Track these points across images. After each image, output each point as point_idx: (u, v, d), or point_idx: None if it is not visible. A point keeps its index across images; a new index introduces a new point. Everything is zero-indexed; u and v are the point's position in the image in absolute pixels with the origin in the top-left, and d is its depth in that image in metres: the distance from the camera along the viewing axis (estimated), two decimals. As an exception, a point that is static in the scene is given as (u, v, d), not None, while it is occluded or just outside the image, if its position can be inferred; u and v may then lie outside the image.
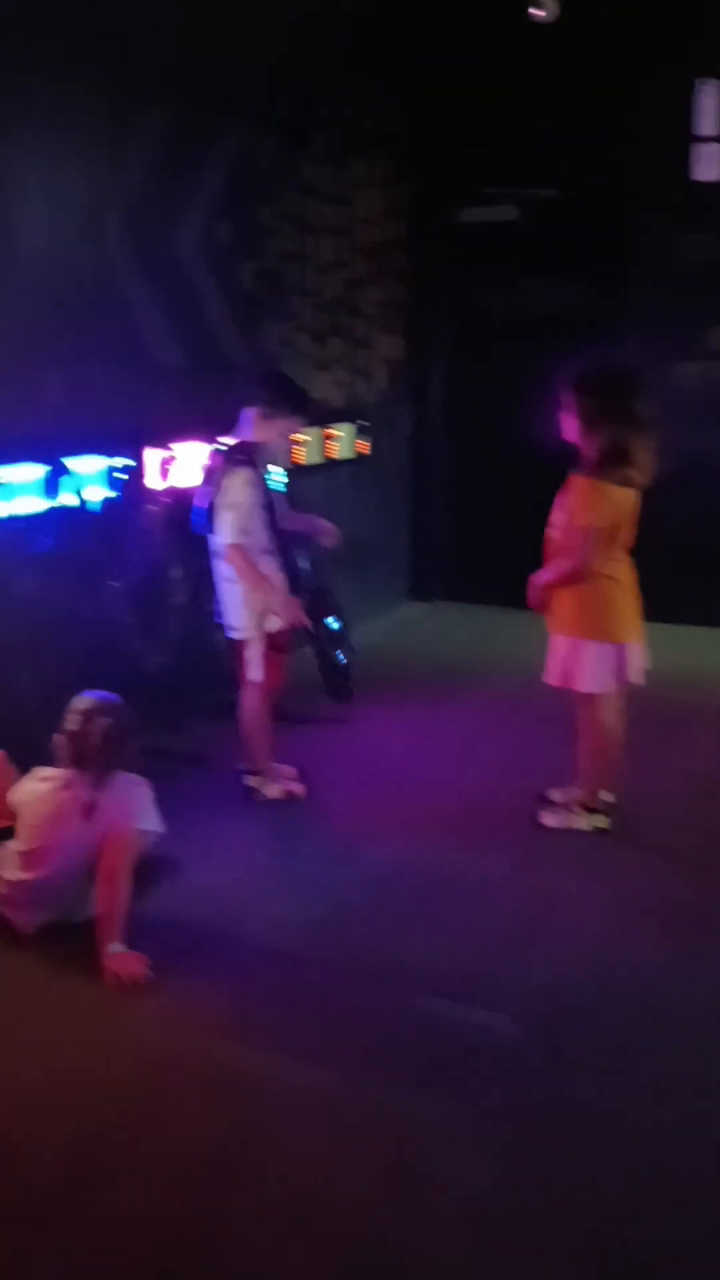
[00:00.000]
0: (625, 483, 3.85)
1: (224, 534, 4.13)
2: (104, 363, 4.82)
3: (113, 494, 4.70)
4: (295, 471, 6.07)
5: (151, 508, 4.88)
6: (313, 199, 6.25)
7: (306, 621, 4.44)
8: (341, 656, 4.97)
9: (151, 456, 4.93)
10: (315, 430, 6.25)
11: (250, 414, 4.21)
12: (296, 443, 4.60)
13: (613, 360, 4.38)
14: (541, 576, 4.03)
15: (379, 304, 7.06)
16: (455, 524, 7.67)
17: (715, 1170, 2.56)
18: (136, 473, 4.83)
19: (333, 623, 4.80)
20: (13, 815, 3.53)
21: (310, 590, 4.48)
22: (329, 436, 6.40)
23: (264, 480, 4.18)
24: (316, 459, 6.29)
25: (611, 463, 3.80)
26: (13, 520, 4.23)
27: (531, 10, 6.38)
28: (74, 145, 4.64)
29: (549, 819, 4.22)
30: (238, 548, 4.11)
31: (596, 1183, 2.50)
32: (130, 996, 3.18)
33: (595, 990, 3.24)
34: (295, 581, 4.28)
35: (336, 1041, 2.99)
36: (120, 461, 4.72)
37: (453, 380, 7.56)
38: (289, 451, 4.62)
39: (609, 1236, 2.37)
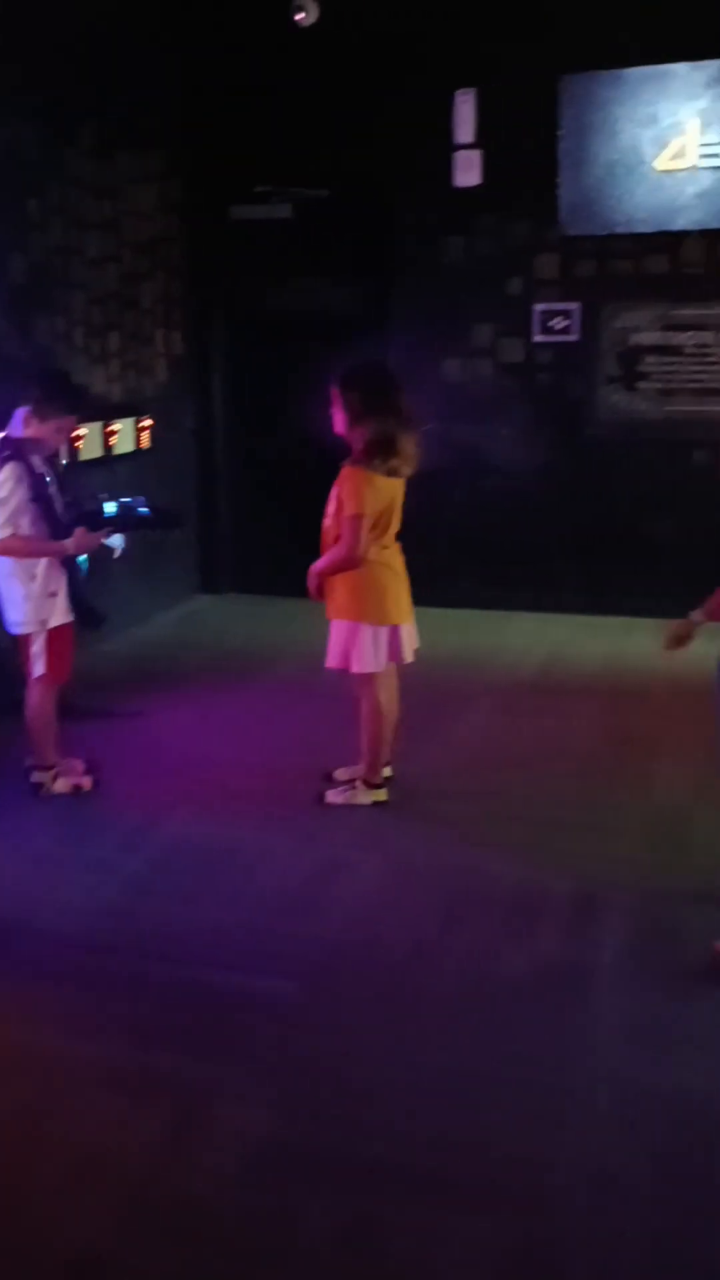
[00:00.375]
0: (392, 473, 4.08)
1: None
2: None
3: None
4: (75, 467, 6.12)
5: None
6: (78, 191, 6.25)
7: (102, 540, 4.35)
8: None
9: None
10: (95, 424, 6.26)
11: (23, 411, 4.22)
12: (74, 440, 4.58)
13: (375, 359, 4.60)
14: (317, 565, 4.21)
15: (156, 298, 7.11)
16: (240, 516, 7.83)
17: (468, 1101, 2.80)
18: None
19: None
20: None
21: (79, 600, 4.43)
22: (109, 431, 6.42)
23: (35, 474, 4.20)
24: (97, 453, 6.30)
25: (378, 454, 4.02)
26: None
27: (295, 15, 6.57)
28: None
29: (333, 796, 4.43)
30: (9, 540, 4.12)
31: (361, 1121, 2.71)
32: None
33: (369, 950, 3.45)
34: (73, 583, 4.32)
35: (123, 1016, 3.10)
36: None
37: (232, 374, 7.70)
38: (65, 447, 4.61)
39: (375, 1167, 2.57)
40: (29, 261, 5.85)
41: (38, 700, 4.39)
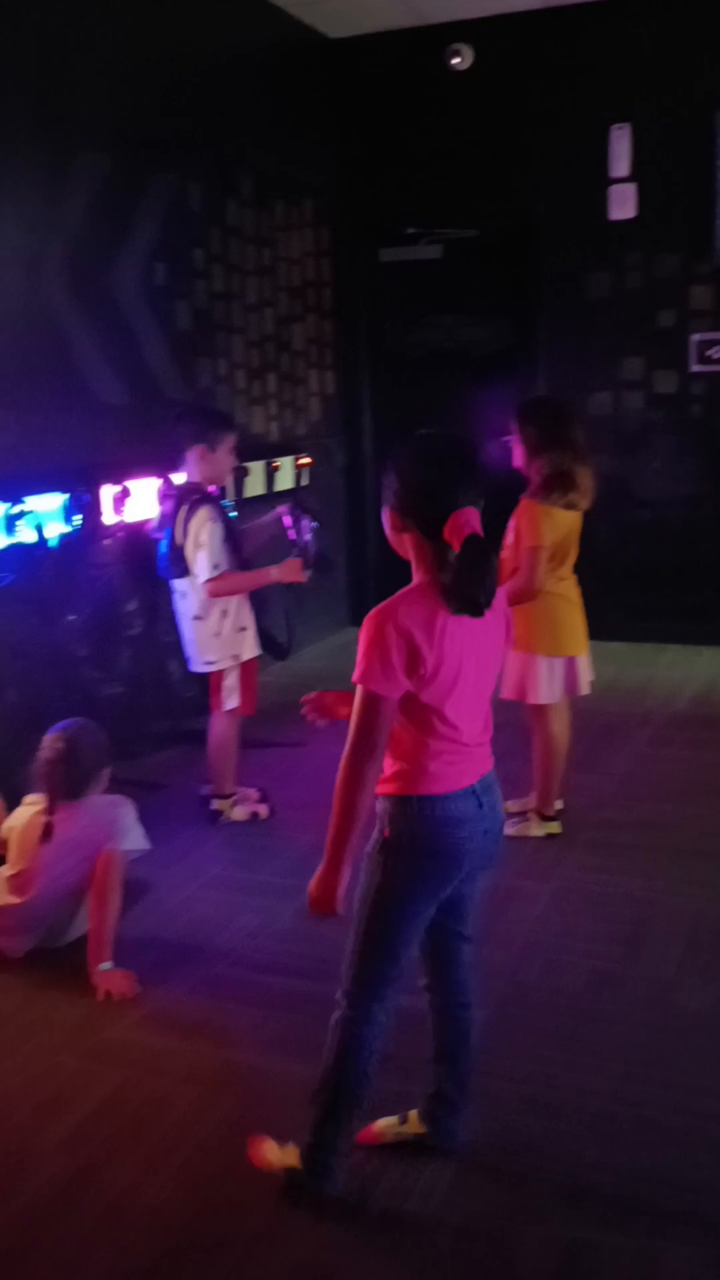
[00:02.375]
0: (569, 506, 4.12)
1: (200, 573, 4.27)
2: (54, 402, 4.97)
3: (69, 529, 4.85)
4: (240, 504, 6.32)
5: (106, 542, 5.03)
6: (239, 240, 6.49)
7: (303, 578, 4.50)
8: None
9: (106, 492, 5.09)
10: (260, 463, 6.46)
11: (192, 453, 4.39)
12: (239, 468, 4.76)
13: (552, 393, 4.65)
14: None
15: (308, 340, 7.32)
16: (389, 550, 7.92)
17: (660, 1133, 2.78)
18: (91, 508, 4.97)
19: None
20: (3, 843, 3.64)
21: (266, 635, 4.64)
22: (275, 468, 6.61)
23: (225, 513, 4.37)
24: (260, 489, 6.50)
25: (556, 488, 4.07)
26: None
27: (451, 60, 6.73)
28: (14, 193, 4.80)
29: (506, 828, 4.43)
30: (219, 580, 4.27)
31: (558, 1148, 2.71)
32: (117, 1009, 3.31)
33: (549, 979, 3.46)
34: (260, 617, 4.49)
35: (314, 1037, 3.16)
36: (75, 498, 4.86)
37: (381, 412, 7.84)
38: (233, 478, 4.77)
39: (578, 1192, 2.58)
40: (193, 308, 6.10)
41: (222, 731, 4.52)
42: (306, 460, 6.96)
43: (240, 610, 4.40)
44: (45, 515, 4.70)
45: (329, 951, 3.60)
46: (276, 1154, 2.61)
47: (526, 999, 3.36)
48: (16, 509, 4.54)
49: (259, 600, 4.49)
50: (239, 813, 4.60)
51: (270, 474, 6.53)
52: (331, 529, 7.67)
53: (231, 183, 6.40)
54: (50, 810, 3.53)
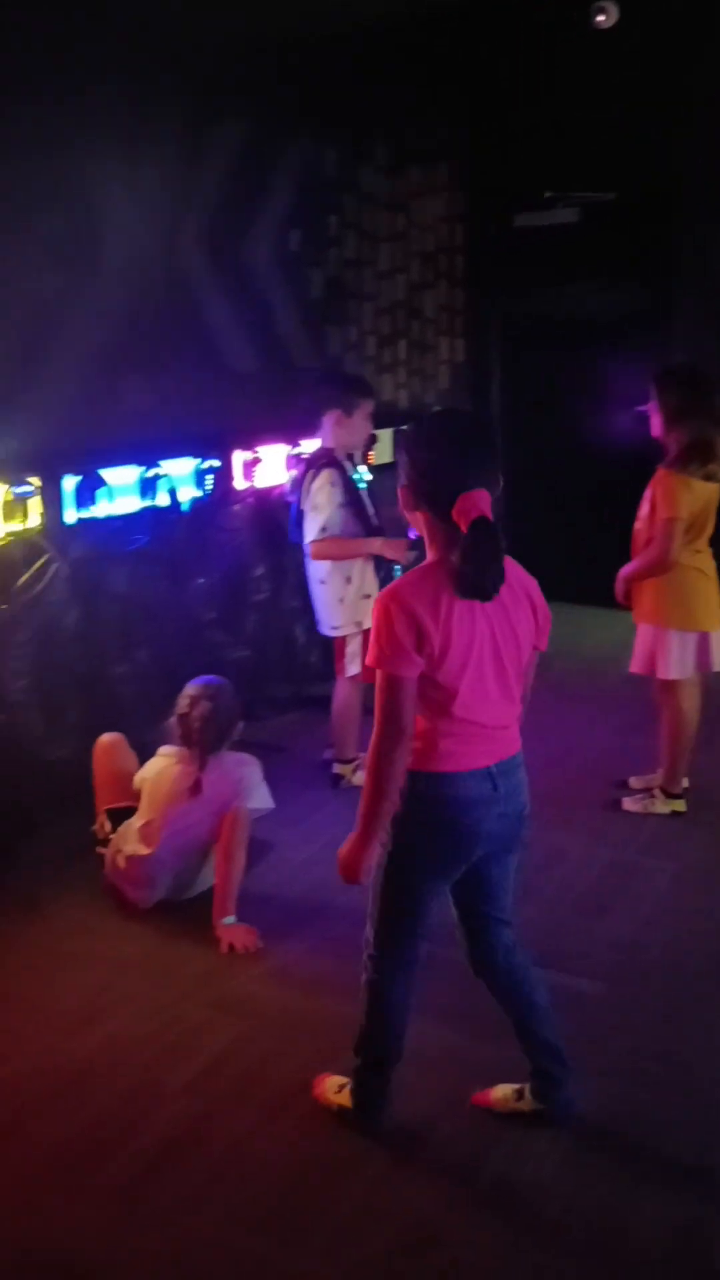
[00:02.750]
0: (708, 477, 4.01)
1: (307, 534, 4.34)
2: (187, 369, 5.06)
3: (200, 494, 4.94)
4: (372, 471, 6.34)
5: (236, 507, 5.11)
6: (372, 206, 6.46)
7: (407, 558, 4.50)
8: None
9: (237, 458, 5.17)
10: (388, 430, 6.46)
11: (328, 418, 4.42)
12: (373, 436, 4.75)
13: (691, 361, 4.53)
14: (627, 568, 4.19)
15: (438, 307, 7.27)
16: (517, 522, 7.85)
17: None
18: (222, 474, 5.06)
19: None
20: (136, 795, 3.76)
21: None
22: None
23: (348, 479, 4.39)
24: (390, 457, 6.49)
25: (694, 457, 3.97)
26: (111, 519, 4.47)
27: (596, 18, 6.55)
28: (155, 161, 4.86)
29: (630, 804, 4.39)
30: (322, 542, 4.32)
31: (681, 1123, 2.69)
32: (240, 962, 3.40)
33: (667, 957, 3.42)
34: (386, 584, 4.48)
35: (439, 1002, 3.18)
36: (207, 463, 4.95)
37: (511, 380, 7.75)
38: (368, 447, 4.78)
39: (688, 1161, 2.55)
40: (326, 276, 6.11)
41: (345, 697, 4.57)
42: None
43: (365, 577, 4.43)
44: (178, 479, 4.80)
45: (444, 915, 3.65)
46: (334, 1093, 2.73)
47: (644, 976, 3.33)
48: (151, 473, 4.65)
49: (388, 570, 4.49)
50: (360, 778, 4.61)
51: (396, 444, 6.53)
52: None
53: (367, 148, 6.38)
54: (201, 766, 3.63)
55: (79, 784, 4.30)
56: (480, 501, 2.24)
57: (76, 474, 4.28)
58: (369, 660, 2.32)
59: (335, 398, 4.41)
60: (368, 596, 4.44)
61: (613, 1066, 2.91)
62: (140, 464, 4.61)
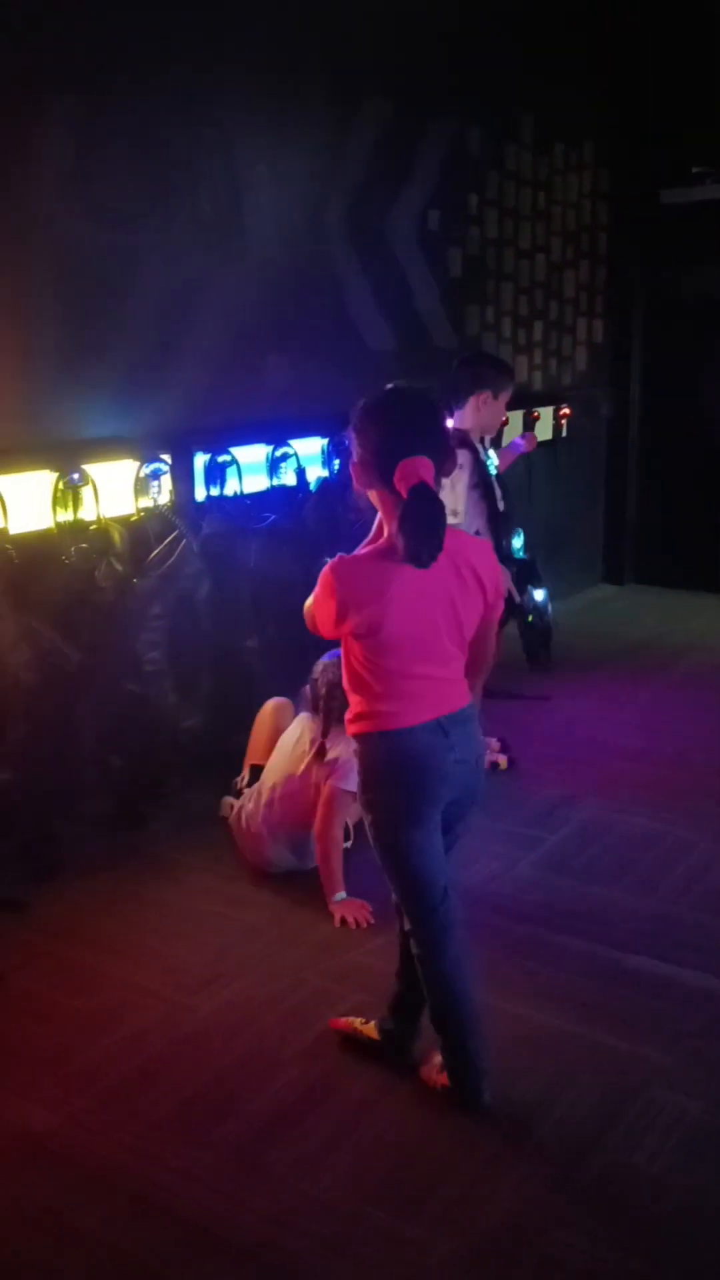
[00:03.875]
0: None
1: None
2: (325, 347, 5.10)
3: (328, 473, 4.98)
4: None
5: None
6: (515, 184, 6.39)
7: (512, 590, 4.56)
8: (543, 623, 5.06)
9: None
10: (518, 413, 6.41)
11: (475, 399, 4.40)
12: (503, 418, 4.71)
13: None
14: None
15: (578, 287, 7.15)
16: (648, 507, 7.71)
17: None
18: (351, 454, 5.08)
19: (537, 593, 4.92)
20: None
21: (518, 563, 4.64)
22: (534, 418, 6.54)
23: (480, 461, 4.37)
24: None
25: None
26: (241, 497, 4.55)
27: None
28: (299, 141, 4.90)
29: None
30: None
31: None
32: (356, 936, 3.46)
33: None
34: (506, 560, 4.46)
35: (551, 985, 3.19)
36: (335, 443, 4.99)
37: (651, 363, 7.58)
38: (500, 431, 4.75)
39: None
40: (465, 254, 6.07)
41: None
42: (566, 411, 6.84)
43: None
44: (306, 459, 4.85)
45: (563, 900, 3.64)
46: (358, 1024, 2.88)
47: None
48: (280, 451, 4.71)
49: (503, 552, 4.46)
50: (502, 759, 4.65)
51: (529, 424, 6.46)
52: (591, 484, 7.58)
53: (511, 126, 6.31)
54: (324, 733, 3.70)
55: (209, 753, 4.44)
56: (421, 468, 2.30)
57: (207, 452, 4.37)
58: (305, 612, 2.52)
59: (487, 378, 4.38)
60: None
61: (731, 1063, 2.86)
62: (270, 443, 4.67)
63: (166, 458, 4.21)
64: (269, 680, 4.54)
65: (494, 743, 4.78)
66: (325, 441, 4.99)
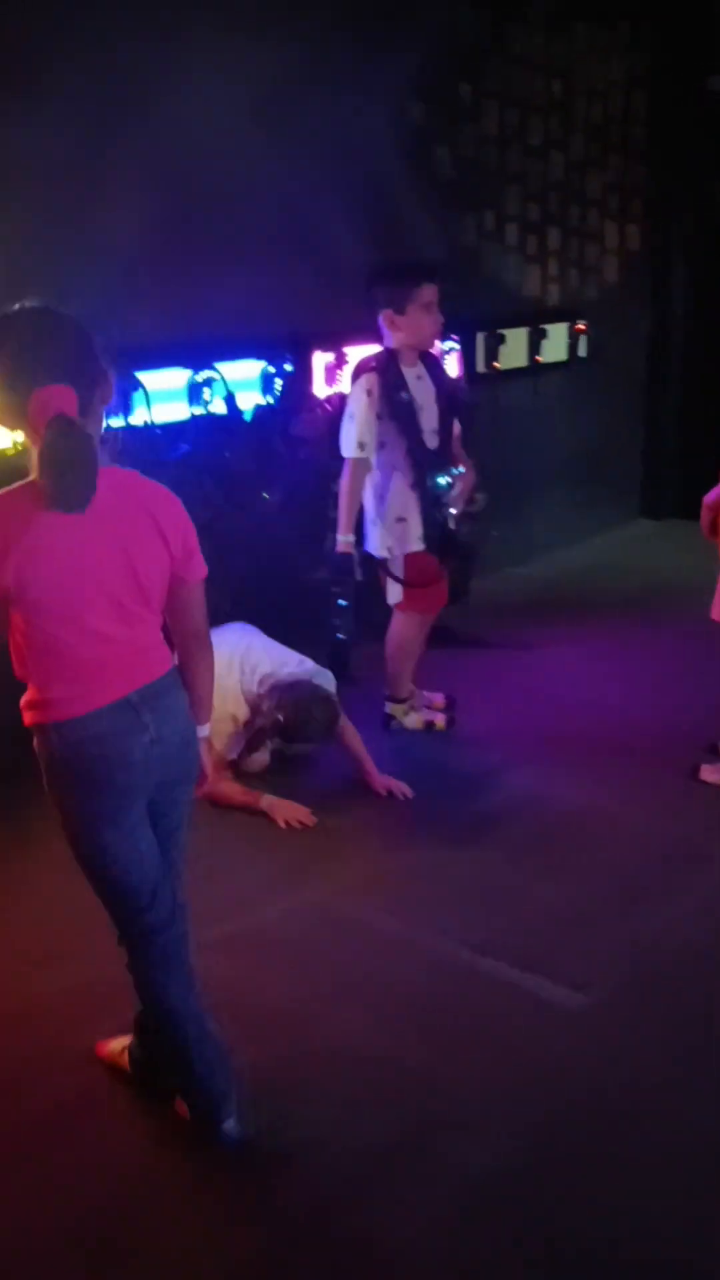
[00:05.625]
0: None
1: (343, 448, 3.87)
2: (269, 261, 4.58)
3: (268, 400, 4.53)
4: (496, 376, 5.70)
5: (310, 415, 4.67)
6: (523, 71, 5.69)
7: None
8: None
9: (318, 360, 4.71)
10: (521, 331, 5.79)
11: (381, 320, 3.88)
12: (437, 331, 4.04)
13: None
14: (711, 494, 3.52)
15: (606, 187, 6.40)
16: (692, 435, 6.95)
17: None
18: (295, 378, 4.62)
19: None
20: None
21: (441, 531, 4.02)
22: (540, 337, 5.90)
23: (390, 386, 3.84)
24: (520, 361, 5.82)
25: None
26: (150, 427, 4.14)
27: None
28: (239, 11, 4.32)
29: (709, 774, 3.72)
30: (350, 462, 3.84)
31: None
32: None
33: (705, 968, 2.82)
34: (433, 503, 3.95)
35: (380, 989, 2.76)
36: (277, 366, 4.52)
37: (697, 274, 6.78)
38: (432, 340, 4.09)
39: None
40: (456, 154, 5.44)
41: (396, 629, 4.10)
42: (582, 327, 6.15)
43: (400, 497, 3.90)
44: (239, 384, 4.40)
45: (467, 889, 3.10)
46: (118, 1049, 2.47)
47: (650, 987, 2.75)
48: (203, 376, 4.27)
49: (426, 490, 3.93)
50: (413, 719, 4.18)
51: (535, 343, 5.83)
52: (628, 408, 6.85)
53: (515, 2, 5.59)
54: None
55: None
56: (56, 398, 1.91)
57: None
58: None
59: (380, 297, 3.85)
60: (401, 520, 3.93)
61: (549, 1102, 2.39)
62: (192, 367, 4.24)
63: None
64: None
65: (438, 698, 4.30)
66: (264, 365, 4.52)
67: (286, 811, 3.57)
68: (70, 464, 1.90)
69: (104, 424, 2.12)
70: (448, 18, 5.20)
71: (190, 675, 2.24)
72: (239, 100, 4.34)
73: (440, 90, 5.27)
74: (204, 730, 2.32)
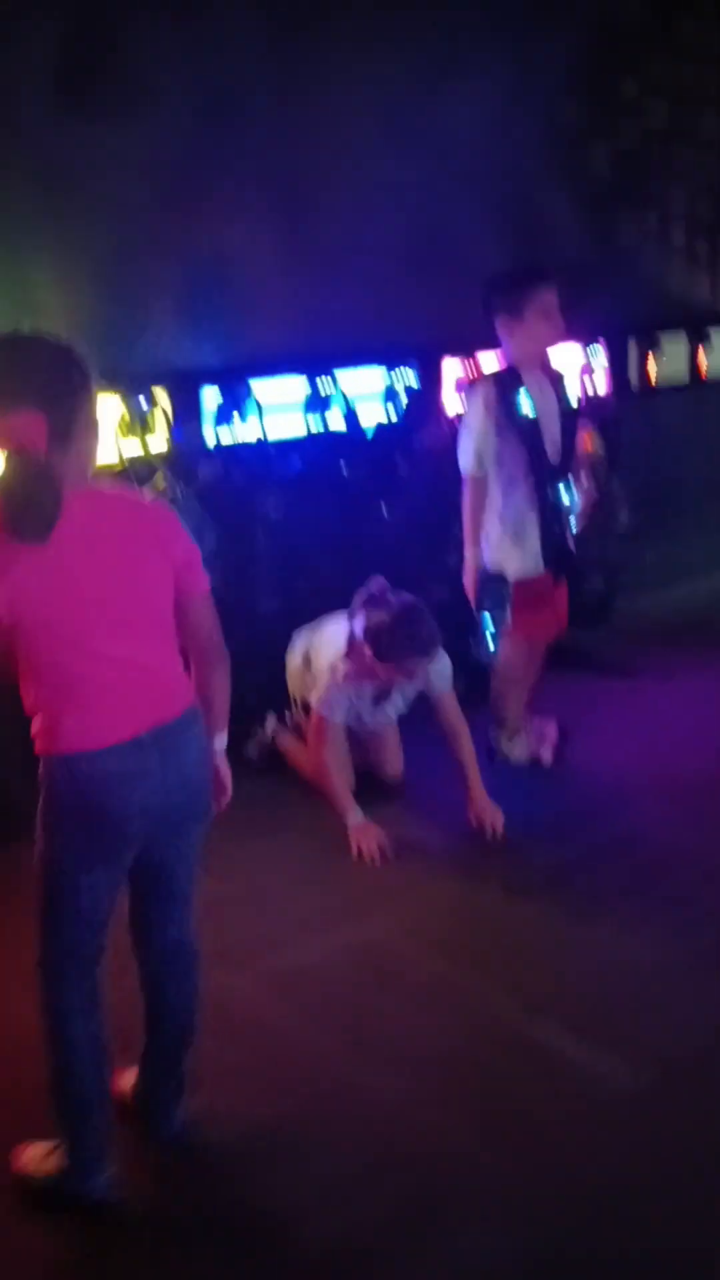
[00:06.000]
0: None
1: (460, 463, 3.71)
2: (402, 265, 4.45)
3: (390, 414, 4.41)
4: (650, 392, 5.36)
5: (439, 429, 4.51)
6: (692, 64, 5.34)
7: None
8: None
9: (450, 369, 4.55)
10: (679, 337, 5.44)
11: (499, 330, 3.69)
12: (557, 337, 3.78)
13: None
14: None
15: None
16: None
17: None
18: (422, 390, 4.47)
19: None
20: None
21: (560, 551, 3.80)
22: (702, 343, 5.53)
23: (509, 398, 3.65)
24: (679, 372, 5.47)
25: None
26: (261, 443, 4.09)
27: None
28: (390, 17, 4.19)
29: None
30: (469, 478, 3.67)
31: None
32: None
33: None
34: (551, 514, 3.73)
35: (408, 1046, 2.60)
36: (404, 377, 4.40)
37: None
38: (547, 351, 3.83)
39: None
40: (616, 150, 5.16)
41: (504, 654, 3.89)
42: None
43: (517, 515, 3.70)
44: (360, 399, 4.30)
45: (514, 928, 2.90)
46: (39, 1160, 2.20)
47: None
48: (322, 390, 4.20)
49: (545, 507, 3.71)
50: (519, 751, 3.95)
51: (695, 352, 5.45)
52: None
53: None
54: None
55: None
56: (21, 427, 1.88)
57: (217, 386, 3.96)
58: None
59: (493, 304, 3.65)
60: (518, 538, 3.72)
61: (571, 1199, 2.17)
62: (307, 375, 4.16)
63: (160, 392, 3.83)
64: (281, 646, 4.10)
65: (550, 728, 4.05)
66: (387, 376, 4.40)
67: (367, 842, 3.38)
68: (26, 498, 1.87)
69: (94, 444, 2.05)
70: (609, 10, 4.94)
71: (207, 688, 2.18)
72: (369, 101, 4.25)
73: (599, 87, 5.01)
74: (221, 741, 2.25)
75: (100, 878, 2.05)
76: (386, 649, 3.36)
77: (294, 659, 3.78)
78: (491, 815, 3.49)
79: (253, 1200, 2.20)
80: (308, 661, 3.70)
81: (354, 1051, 2.58)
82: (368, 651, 3.38)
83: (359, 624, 3.42)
